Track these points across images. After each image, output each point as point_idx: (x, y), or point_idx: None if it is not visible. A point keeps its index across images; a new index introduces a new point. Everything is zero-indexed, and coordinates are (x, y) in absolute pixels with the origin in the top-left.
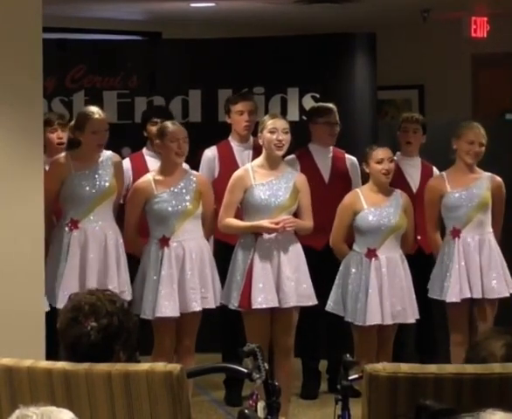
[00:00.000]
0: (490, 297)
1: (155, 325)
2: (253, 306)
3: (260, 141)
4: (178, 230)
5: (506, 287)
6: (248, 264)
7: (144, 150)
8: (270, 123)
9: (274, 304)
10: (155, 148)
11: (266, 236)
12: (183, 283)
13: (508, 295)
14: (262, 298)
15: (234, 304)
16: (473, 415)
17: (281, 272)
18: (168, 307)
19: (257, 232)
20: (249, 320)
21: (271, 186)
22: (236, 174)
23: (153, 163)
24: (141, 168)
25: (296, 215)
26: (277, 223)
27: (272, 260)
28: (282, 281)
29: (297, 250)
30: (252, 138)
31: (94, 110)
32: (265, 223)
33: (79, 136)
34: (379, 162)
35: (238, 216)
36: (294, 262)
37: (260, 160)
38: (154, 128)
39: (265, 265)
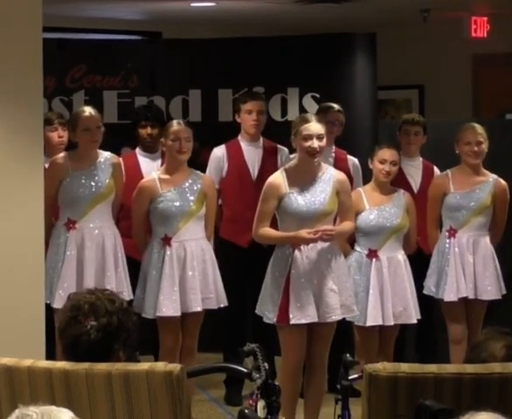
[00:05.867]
0: (483, 298)
1: (158, 324)
2: (291, 322)
3: (293, 145)
4: (181, 230)
5: (499, 289)
6: (285, 277)
7: (138, 150)
8: (303, 128)
9: (313, 319)
10: (147, 149)
11: (304, 247)
12: (184, 283)
13: (500, 297)
14: (300, 314)
15: (271, 317)
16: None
17: (323, 284)
18: (169, 307)
19: (294, 243)
20: (286, 336)
21: (308, 192)
22: (269, 181)
23: (146, 163)
24: (133, 168)
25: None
26: (315, 233)
27: (311, 272)
28: (325, 293)
29: (339, 258)
30: (261, 138)
31: (85, 108)
32: (302, 233)
33: (74, 137)
34: (381, 162)
35: (272, 223)
36: (336, 272)
37: (294, 164)
38: (143, 131)
39: (303, 278)
